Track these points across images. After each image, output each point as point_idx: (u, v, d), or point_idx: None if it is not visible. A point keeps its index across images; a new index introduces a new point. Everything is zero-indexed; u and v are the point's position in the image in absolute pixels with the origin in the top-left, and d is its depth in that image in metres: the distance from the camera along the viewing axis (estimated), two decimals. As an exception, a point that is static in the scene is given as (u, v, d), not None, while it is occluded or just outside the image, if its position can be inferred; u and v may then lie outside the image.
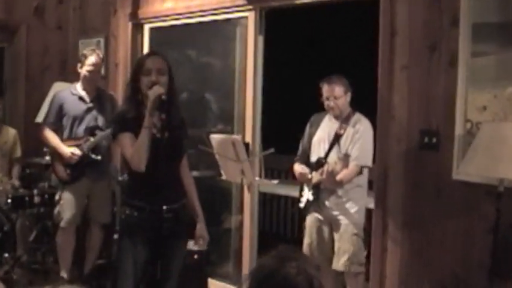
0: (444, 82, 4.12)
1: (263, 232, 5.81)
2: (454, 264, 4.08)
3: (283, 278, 1.86)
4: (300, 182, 4.74)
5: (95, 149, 5.41)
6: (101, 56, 5.51)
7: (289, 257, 1.94)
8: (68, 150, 5.34)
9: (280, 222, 7.63)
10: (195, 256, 4.85)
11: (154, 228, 3.62)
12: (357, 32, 6.26)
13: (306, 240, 4.75)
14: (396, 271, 4.38)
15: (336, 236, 4.57)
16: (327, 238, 4.64)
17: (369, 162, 4.49)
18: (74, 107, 5.43)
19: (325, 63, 5.16)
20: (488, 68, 3.94)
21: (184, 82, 5.66)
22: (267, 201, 7.26)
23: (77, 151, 5.33)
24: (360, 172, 4.50)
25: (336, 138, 4.58)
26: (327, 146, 4.60)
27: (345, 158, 4.25)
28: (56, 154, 5.46)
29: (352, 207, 4.54)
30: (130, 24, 6.28)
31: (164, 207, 3.62)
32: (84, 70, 5.43)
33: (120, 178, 5.44)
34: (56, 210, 5.51)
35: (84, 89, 5.48)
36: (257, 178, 4.94)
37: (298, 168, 4.69)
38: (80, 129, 5.44)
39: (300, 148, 4.85)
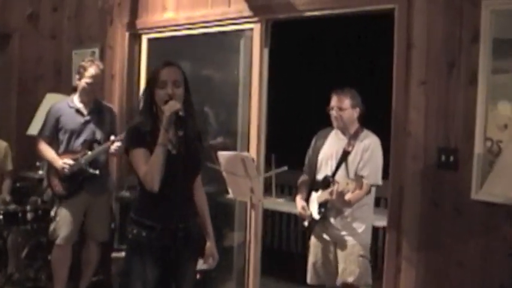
0: (463, 99, 4.02)
1: (267, 249, 5.65)
2: (473, 287, 3.97)
3: None
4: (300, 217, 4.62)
5: (92, 163, 5.21)
6: (101, 67, 5.29)
7: None
8: (61, 161, 5.14)
9: (285, 239, 7.41)
10: (197, 276, 4.67)
11: (164, 247, 3.45)
12: (371, 44, 6.15)
13: (311, 259, 4.62)
14: (411, 293, 4.27)
15: (341, 256, 4.43)
16: (332, 258, 4.50)
17: (379, 181, 4.37)
18: (71, 121, 5.24)
19: (334, 77, 4.99)
20: (510, 85, 3.84)
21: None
22: (270, 217, 7.08)
23: (69, 161, 5.12)
24: (369, 191, 4.36)
25: (344, 156, 4.44)
26: (334, 164, 4.46)
27: (359, 179, 4.09)
28: (52, 168, 5.25)
29: (359, 227, 4.41)
30: (127, 35, 6.13)
31: (175, 226, 3.46)
32: (83, 82, 5.23)
33: (123, 194, 5.25)
34: (51, 227, 5.29)
35: (82, 101, 5.29)
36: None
37: (299, 206, 4.57)
38: (78, 143, 5.24)
39: (306, 164, 4.72)
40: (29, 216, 5.50)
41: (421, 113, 4.21)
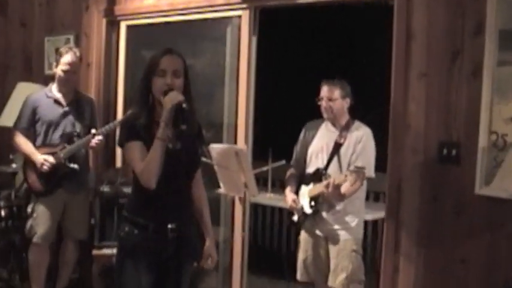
0: (467, 92, 3.91)
1: (254, 246, 5.49)
2: (477, 285, 3.88)
3: None
4: (290, 210, 4.49)
5: (72, 157, 4.95)
6: (78, 54, 5.03)
7: None
8: (41, 157, 4.88)
9: (274, 235, 7.24)
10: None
11: (158, 249, 3.25)
12: (365, 34, 6.00)
13: (301, 256, 4.51)
14: (410, 291, 4.17)
15: (333, 251, 4.32)
16: (323, 254, 4.39)
17: (373, 173, 4.27)
18: (49, 111, 4.99)
19: (326, 67, 4.84)
20: (516, 77, 3.75)
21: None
22: (258, 212, 6.92)
23: (51, 158, 4.88)
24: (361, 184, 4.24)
25: (336, 148, 4.33)
26: (325, 157, 4.35)
27: (360, 171, 3.95)
28: (29, 162, 4.99)
29: (351, 221, 4.31)
30: (104, 21, 5.86)
31: (169, 226, 3.24)
32: (59, 70, 4.98)
33: (103, 188, 5.02)
34: (28, 225, 5.04)
35: (60, 91, 5.04)
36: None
37: (290, 198, 4.44)
38: (56, 136, 4.99)
39: (294, 157, 4.60)
40: (3, 212, 5.23)
41: (422, 106, 4.10)
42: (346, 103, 4.34)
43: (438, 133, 4.03)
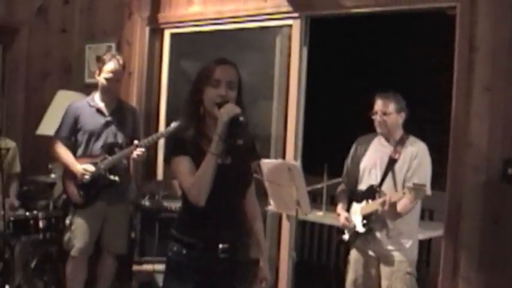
0: (535, 107, 3.71)
1: (301, 262, 5.28)
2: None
3: None
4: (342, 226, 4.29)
5: (112, 168, 4.80)
6: (121, 62, 4.89)
7: None
8: (81, 167, 4.74)
9: (322, 253, 6.98)
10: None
11: (207, 270, 3.05)
12: (423, 45, 5.80)
13: (350, 277, 4.30)
14: (468, 317, 3.98)
15: (386, 272, 4.12)
16: (374, 274, 4.19)
17: (429, 191, 4.03)
18: (91, 121, 4.84)
19: (377, 79, 4.66)
20: None
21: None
22: (306, 229, 6.71)
23: (91, 167, 4.73)
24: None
25: (391, 164, 4.12)
26: (379, 173, 4.15)
27: (420, 189, 3.74)
28: (68, 173, 4.84)
29: (406, 242, 4.10)
30: (148, 29, 5.75)
31: (220, 246, 3.04)
32: (101, 78, 4.84)
33: (144, 202, 4.88)
34: (66, 237, 4.88)
35: (103, 100, 4.90)
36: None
37: (342, 217, 4.26)
38: (97, 146, 4.84)
39: (345, 172, 4.41)
40: (41, 224, 5.07)
41: (485, 122, 3.93)
42: (401, 117, 4.14)
43: (502, 151, 3.86)
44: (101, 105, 4.89)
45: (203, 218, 3.00)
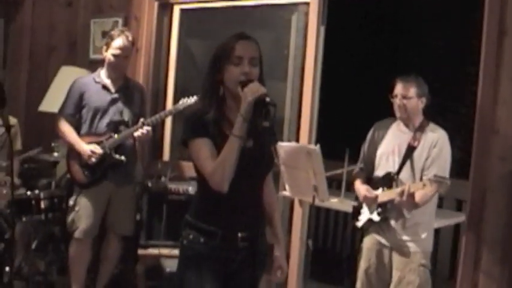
0: None
1: (315, 250, 5.15)
2: None
3: None
4: (364, 202, 4.12)
5: (118, 148, 4.65)
6: (130, 38, 4.71)
7: None
8: (87, 147, 4.58)
9: (337, 240, 6.88)
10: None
11: (225, 259, 2.90)
12: (446, 28, 5.60)
13: (363, 265, 4.17)
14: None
15: (398, 262, 3.99)
16: (387, 264, 4.06)
17: (448, 181, 3.87)
18: (97, 97, 4.68)
19: (400, 62, 4.48)
20: None
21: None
22: (321, 215, 6.57)
23: (98, 149, 4.58)
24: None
25: (409, 151, 3.96)
26: (397, 160, 3.99)
27: (444, 182, 3.59)
28: (73, 152, 4.69)
29: (422, 233, 3.96)
30: (156, 4, 5.54)
31: (239, 234, 2.89)
32: (109, 54, 4.67)
33: (152, 183, 4.73)
34: (69, 218, 4.73)
35: (109, 76, 4.73)
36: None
37: (362, 188, 4.09)
38: (102, 124, 4.68)
39: (361, 157, 4.26)
40: (44, 204, 4.91)
41: (513, 110, 3.76)
42: (422, 103, 3.98)
43: (531, 140, 3.70)
44: (107, 81, 4.73)
45: (223, 205, 2.84)
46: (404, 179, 3.89)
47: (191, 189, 4.90)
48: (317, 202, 4.07)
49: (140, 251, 4.86)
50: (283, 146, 4.00)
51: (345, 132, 4.29)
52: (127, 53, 4.71)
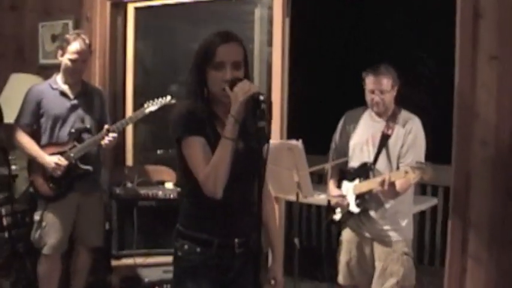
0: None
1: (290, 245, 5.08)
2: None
3: None
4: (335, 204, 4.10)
5: (83, 157, 4.45)
6: (87, 41, 4.52)
7: None
8: (51, 159, 4.37)
9: (312, 234, 6.82)
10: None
11: (223, 267, 2.80)
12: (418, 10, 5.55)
13: (344, 258, 4.13)
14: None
15: (380, 253, 3.95)
16: (369, 255, 4.02)
17: (430, 167, 3.83)
18: (55, 105, 4.47)
19: (367, 49, 4.42)
20: None
21: (177, 74, 4.93)
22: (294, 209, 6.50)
23: (63, 160, 4.38)
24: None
25: (384, 140, 3.92)
26: (372, 149, 3.95)
27: (426, 168, 3.53)
28: (34, 164, 4.46)
29: (402, 221, 3.94)
30: (109, 4, 5.34)
31: (236, 240, 2.78)
32: (65, 59, 4.46)
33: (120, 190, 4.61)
34: (36, 234, 4.49)
35: (66, 82, 4.52)
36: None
37: (336, 192, 4.08)
38: (64, 133, 4.48)
39: (333, 148, 4.20)
40: (6, 221, 4.69)
41: (492, 93, 3.75)
42: (395, 91, 3.94)
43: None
44: (65, 87, 4.53)
45: (217, 211, 2.72)
46: (380, 168, 3.86)
47: (161, 193, 4.80)
48: (301, 199, 3.99)
49: (113, 262, 4.70)
50: (265, 144, 3.89)
51: (329, 125, 4.19)
52: (84, 57, 4.51)
